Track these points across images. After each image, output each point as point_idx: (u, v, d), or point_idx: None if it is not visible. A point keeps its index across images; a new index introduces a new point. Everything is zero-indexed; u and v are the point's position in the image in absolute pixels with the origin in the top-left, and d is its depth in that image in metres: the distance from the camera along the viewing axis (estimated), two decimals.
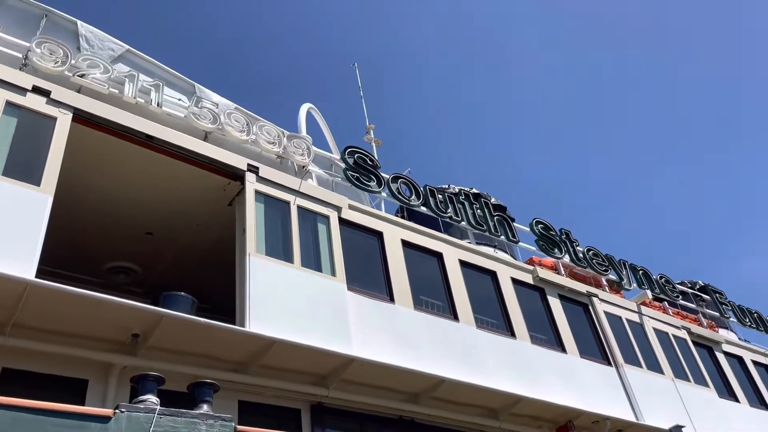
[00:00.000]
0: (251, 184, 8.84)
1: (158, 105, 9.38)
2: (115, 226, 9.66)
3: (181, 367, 6.57)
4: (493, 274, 11.52)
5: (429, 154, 61.86)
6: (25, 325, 5.57)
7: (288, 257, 8.42)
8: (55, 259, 9.44)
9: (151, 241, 10.29)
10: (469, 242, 13.20)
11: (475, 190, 16.76)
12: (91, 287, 7.60)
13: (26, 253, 5.49)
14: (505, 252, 15.43)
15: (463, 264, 11.13)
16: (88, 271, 10.24)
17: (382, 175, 11.61)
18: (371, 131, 18.05)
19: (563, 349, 11.41)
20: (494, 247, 14.77)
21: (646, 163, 62.01)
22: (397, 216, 12.81)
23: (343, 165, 11.21)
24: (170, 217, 9.83)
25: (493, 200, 16.81)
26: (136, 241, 10.13)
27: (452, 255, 11.03)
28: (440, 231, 11.98)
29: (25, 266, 5.33)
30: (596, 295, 13.23)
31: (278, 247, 8.51)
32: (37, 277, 5.70)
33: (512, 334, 10.68)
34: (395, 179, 11.81)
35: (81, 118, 7.41)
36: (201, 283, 10.26)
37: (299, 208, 9.26)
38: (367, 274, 9.70)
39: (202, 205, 9.54)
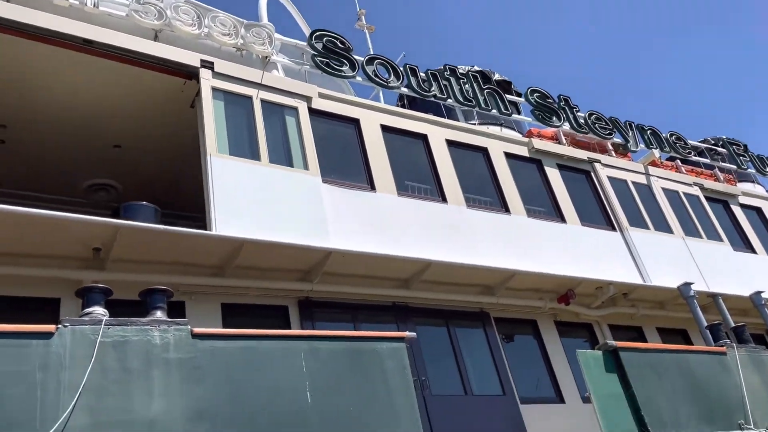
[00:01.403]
0: (207, 81, 8.39)
1: (95, 6, 8.72)
2: (80, 143, 9.49)
3: (156, 277, 6.69)
4: (484, 151, 11.19)
5: (429, 38, 57.66)
6: None
7: (254, 155, 8.24)
8: (33, 182, 9.44)
9: (122, 155, 10.15)
10: (474, 123, 12.64)
11: (477, 68, 15.82)
12: (72, 208, 7.63)
13: None
14: (513, 130, 14.77)
15: (451, 144, 10.79)
16: (68, 192, 10.26)
17: (356, 58, 10.88)
18: (362, 17, 16.79)
19: (563, 220, 11.37)
20: (500, 125, 14.13)
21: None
22: (398, 106, 12.29)
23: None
24: (135, 127, 9.58)
25: (496, 76, 15.94)
26: (107, 157, 10.01)
27: (438, 135, 10.66)
28: (443, 117, 11.50)
29: None
30: (598, 161, 12.86)
31: (243, 146, 8.30)
32: (16, 203, 5.70)
33: (507, 210, 10.61)
34: (370, 61, 11.10)
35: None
36: (182, 193, 10.25)
37: (263, 102, 8.85)
38: (345, 164, 9.51)
39: (164, 110, 9.21)
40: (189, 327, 4.59)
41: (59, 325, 4.05)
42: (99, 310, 4.42)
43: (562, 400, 9.60)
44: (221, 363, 4.51)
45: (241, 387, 4.44)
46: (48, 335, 3.95)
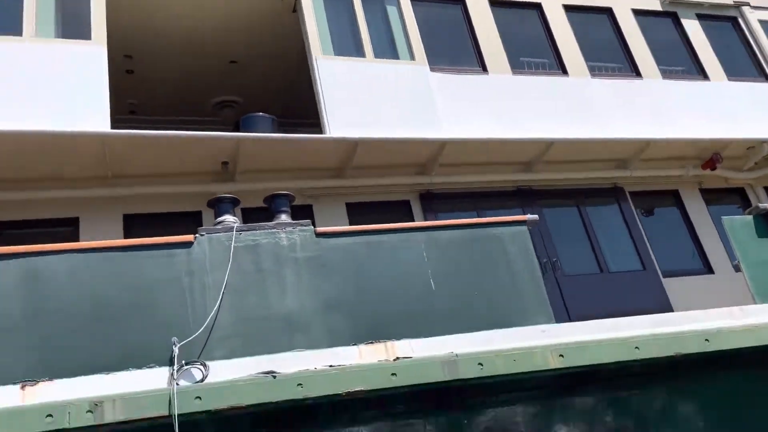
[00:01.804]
0: None
1: None
2: (201, 64, 9.65)
3: (281, 183, 6.85)
4: (608, 11, 9.50)
5: None
6: (126, 174, 6.16)
7: (359, 51, 7.77)
8: (165, 108, 9.97)
9: (239, 70, 10.26)
10: None
11: None
12: (202, 127, 8.04)
13: (97, 108, 5.73)
14: None
15: (569, 8, 9.25)
16: (198, 113, 10.78)
17: None
18: None
19: (705, 77, 9.52)
20: None
21: None
22: None
23: None
24: (247, 41, 9.48)
25: None
26: (226, 74, 10.20)
27: (553, 1, 9.25)
28: None
29: (98, 120, 5.62)
30: (746, 3, 10.36)
31: (347, 44, 7.83)
32: (151, 128, 6.09)
33: (637, 74, 9.11)
34: None
35: None
36: (300, 99, 10.24)
37: None
38: (453, 49, 8.60)
39: (269, 19, 8.94)
40: (312, 227, 4.63)
41: (197, 235, 4.26)
42: (230, 218, 4.58)
43: (710, 271, 8.66)
44: (346, 258, 4.47)
45: (367, 279, 4.45)
46: (188, 244, 4.16)
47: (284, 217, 4.64)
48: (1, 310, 3.50)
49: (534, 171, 8.09)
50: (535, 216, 4.95)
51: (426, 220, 7.57)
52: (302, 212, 6.56)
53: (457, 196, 8.04)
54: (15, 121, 5.13)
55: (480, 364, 3.90)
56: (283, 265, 4.28)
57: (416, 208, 7.70)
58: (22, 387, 3.27)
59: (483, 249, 4.71)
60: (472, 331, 4.23)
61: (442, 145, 6.94)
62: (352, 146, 6.60)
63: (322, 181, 7.16)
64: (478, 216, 7.72)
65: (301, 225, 4.59)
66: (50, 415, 3.07)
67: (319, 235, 4.54)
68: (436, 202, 7.81)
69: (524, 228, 4.82)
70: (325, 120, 6.75)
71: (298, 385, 3.68)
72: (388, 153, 7.06)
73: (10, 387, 3.21)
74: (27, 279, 3.63)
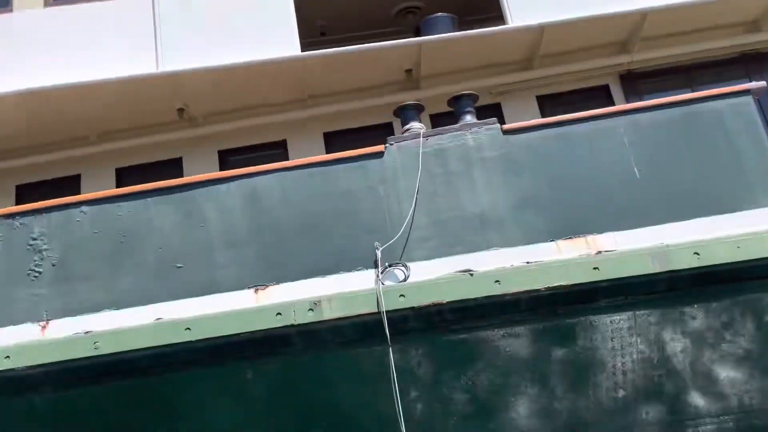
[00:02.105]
0: None
1: None
2: None
3: (468, 84, 6.51)
4: None
5: None
6: (321, 94, 6.50)
7: None
8: (352, 24, 9.69)
9: None
10: None
11: None
12: (387, 38, 7.94)
13: (287, 34, 6.00)
14: None
15: None
16: (383, 24, 10.37)
17: None
18: None
19: None
20: None
21: None
22: None
23: None
24: None
25: None
26: None
27: None
28: None
29: (289, 46, 5.91)
30: None
31: None
32: (329, 46, 6.35)
33: None
34: None
35: None
36: None
37: None
38: None
39: None
40: (498, 125, 4.31)
41: (387, 145, 4.33)
42: (416, 125, 4.54)
43: None
44: (537, 153, 4.14)
45: (561, 172, 4.11)
46: (380, 155, 4.26)
47: (469, 118, 4.39)
48: (232, 227, 4.11)
49: (764, 30, 6.20)
50: (763, 83, 4.25)
51: (629, 103, 6.48)
52: (490, 111, 6.17)
53: (664, 72, 6.66)
54: (217, 57, 5.66)
55: (696, 253, 3.56)
56: (472, 166, 4.12)
57: (617, 93, 6.62)
58: (255, 291, 3.82)
59: (697, 127, 4.13)
60: (684, 220, 3.84)
61: (643, 16, 5.69)
62: (538, 33, 5.83)
63: (509, 76, 6.58)
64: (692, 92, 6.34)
65: (487, 124, 4.29)
66: (279, 314, 3.67)
67: (506, 132, 4.19)
68: (640, 82, 6.58)
69: (749, 98, 4.15)
70: (506, 9, 6.03)
71: (496, 282, 3.71)
72: (579, 35, 6.06)
73: (245, 291, 3.77)
74: (248, 198, 4.15)
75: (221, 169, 6.15)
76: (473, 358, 3.87)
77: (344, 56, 5.65)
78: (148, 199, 4.21)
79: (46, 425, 4.07)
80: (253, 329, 3.70)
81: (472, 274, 3.76)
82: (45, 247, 4.23)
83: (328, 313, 3.60)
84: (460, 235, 4.02)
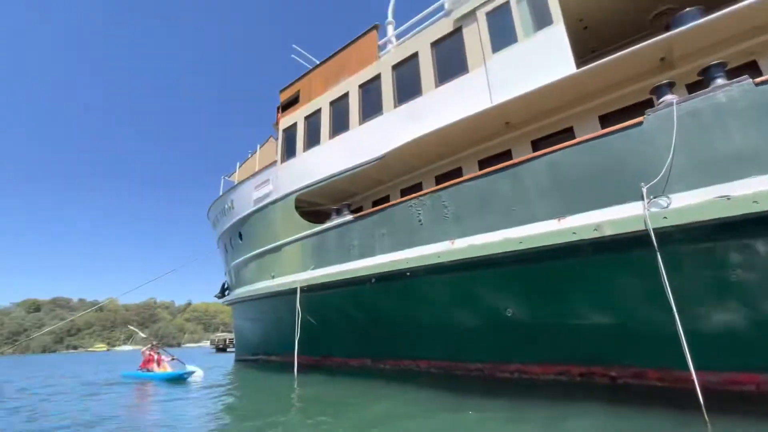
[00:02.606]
0: None
1: None
2: None
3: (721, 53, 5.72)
4: None
5: None
6: (589, 92, 6.88)
7: None
8: (613, 38, 9.14)
9: None
10: None
11: None
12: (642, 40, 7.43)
13: (564, 59, 6.66)
14: None
15: None
16: (640, 29, 9.25)
17: None
18: None
19: None
20: None
21: None
22: None
23: None
24: None
25: None
26: None
27: None
28: None
29: (567, 66, 6.55)
30: None
31: None
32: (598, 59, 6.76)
33: None
34: None
35: None
36: None
37: None
38: None
39: None
40: (750, 79, 4.19)
41: (645, 116, 4.74)
42: (668, 97, 4.76)
43: None
44: None
45: None
46: (639, 124, 4.84)
47: (720, 81, 4.39)
48: (540, 184, 5.59)
49: None
50: None
51: None
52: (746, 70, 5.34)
53: None
54: (527, 87, 6.91)
55: None
56: (725, 116, 4.34)
57: None
58: (558, 220, 5.29)
59: None
60: None
61: None
62: None
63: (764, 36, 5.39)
64: None
65: (738, 81, 4.37)
66: (574, 233, 5.00)
67: (759, 84, 4.05)
68: None
69: None
70: None
71: (754, 202, 3.91)
72: None
73: (551, 221, 5.33)
74: (550, 165, 5.58)
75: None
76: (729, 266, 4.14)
77: (611, 62, 5.95)
78: (494, 175, 5.85)
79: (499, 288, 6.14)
80: (558, 242, 5.14)
81: (729, 198, 4.05)
82: (447, 204, 6.35)
83: (609, 231, 4.66)
84: (716, 171, 4.29)
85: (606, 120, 6.97)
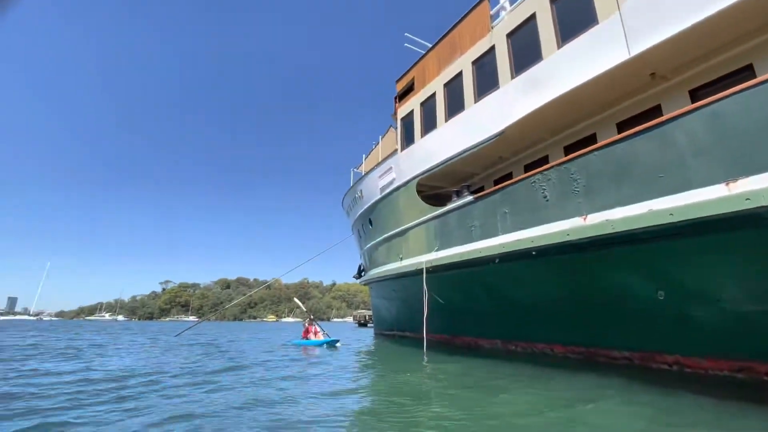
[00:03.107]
0: None
1: None
2: None
3: None
4: None
5: None
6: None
7: None
8: None
9: None
10: None
11: None
12: None
13: None
14: None
15: None
16: None
17: None
18: None
19: None
20: None
21: None
22: None
23: None
24: None
25: None
26: None
27: None
28: None
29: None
30: None
31: None
32: None
33: None
34: None
35: None
36: None
37: None
38: None
39: None
40: None
41: None
42: None
43: None
44: None
45: None
46: None
47: None
48: (698, 143, 4.65)
49: None
50: None
51: None
52: None
53: None
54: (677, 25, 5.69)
55: None
56: None
57: None
58: (726, 184, 4.41)
59: None
60: None
61: None
62: None
63: None
64: None
65: None
66: (748, 199, 4.12)
67: None
68: None
69: None
70: None
71: None
72: None
73: (716, 186, 4.46)
74: (710, 117, 4.60)
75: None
76: None
77: None
78: (633, 139, 5.13)
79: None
80: (727, 211, 4.25)
81: None
82: (577, 177, 5.82)
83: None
84: None
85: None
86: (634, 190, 5.20)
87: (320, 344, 12.22)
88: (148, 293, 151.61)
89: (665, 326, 5.34)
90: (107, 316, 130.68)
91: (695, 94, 6.45)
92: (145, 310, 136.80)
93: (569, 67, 7.12)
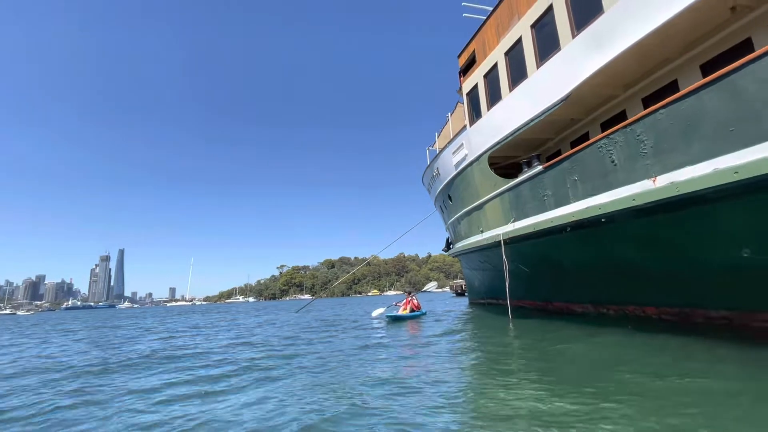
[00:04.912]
0: None
1: None
2: None
3: None
4: None
5: None
6: None
7: None
8: None
9: None
10: None
11: None
12: None
13: None
14: None
15: None
16: None
17: None
18: None
19: None
20: None
21: None
22: None
23: None
24: None
25: None
26: None
27: None
28: None
29: None
30: None
31: None
32: None
33: None
34: None
35: None
36: None
37: None
38: None
39: None
40: None
41: None
42: None
43: None
44: None
45: None
46: None
47: None
48: None
49: None
50: None
51: None
52: None
53: None
54: None
55: None
56: None
57: None
58: None
59: None
60: None
61: None
62: None
63: None
64: None
65: None
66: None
67: None
68: None
69: None
70: None
71: None
72: None
73: None
74: None
75: None
76: None
77: None
78: (701, 92, 4.91)
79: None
80: None
81: None
82: (644, 138, 5.74)
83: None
84: None
85: None
86: (704, 147, 4.95)
87: (416, 316, 13.54)
88: (269, 277, 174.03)
89: (757, 284, 5.07)
90: (240, 298, 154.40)
91: None
92: (268, 292, 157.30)
93: (635, 14, 6.63)
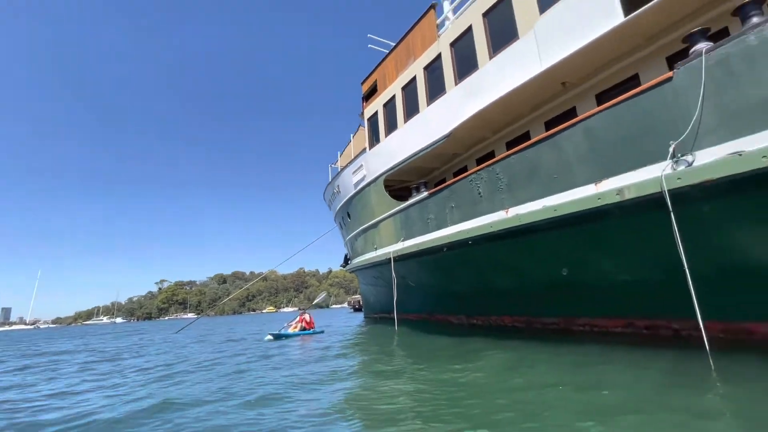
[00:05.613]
0: None
1: None
2: None
3: None
4: None
5: None
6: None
7: None
8: None
9: None
10: None
11: None
12: None
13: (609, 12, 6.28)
14: None
15: None
16: None
17: None
18: None
19: None
20: None
21: None
22: None
23: None
24: None
25: None
26: None
27: None
28: None
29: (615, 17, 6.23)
30: None
31: None
32: None
33: None
34: None
35: None
36: None
37: None
38: None
39: None
40: None
41: (674, 70, 4.71)
42: (700, 46, 4.56)
43: None
44: None
45: None
46: (669, 79, 4.79)
47: (755, 20, 4.13)
48: (579, 152, 6.14)
49: None
50: None
51: None
52: None
53: None
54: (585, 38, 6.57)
55: None
56: (755, 60, 4.12)
57: None
58: (595, 185, 5.46)
59: None
60: None
61: None
62: None
63: None
64: None
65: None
66: (599, 198, 5.41)
67: None
68: None
69: None
70: None
71: (763, 157, 3.89)
72: None
73: (589, 186, 5.61)
74: (587, 133, 5.94)
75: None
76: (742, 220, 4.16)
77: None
78: (538, 146, 6.32)
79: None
80: (591, 206, 5.53)
81: (740, 155, 4.06)
82: (502, 177, 7.01)
83: (629, 195, 4.99)
84: (744, 122, 4.19)
85: (675, 59, 6.42)
86: (538, 189, 6.47)
87: (309, 333, 13.70)
88: (144, 294, 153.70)
89: (573, 296, 6.70)
90: (105, 319, 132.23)
91: (601, 97, 7.64)
92: (143, 311, 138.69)
93: (500, 76, 8.24)
